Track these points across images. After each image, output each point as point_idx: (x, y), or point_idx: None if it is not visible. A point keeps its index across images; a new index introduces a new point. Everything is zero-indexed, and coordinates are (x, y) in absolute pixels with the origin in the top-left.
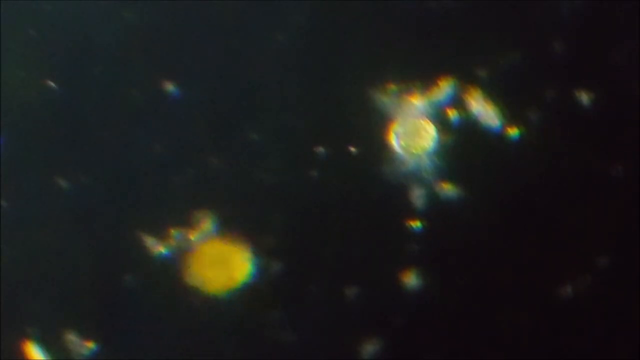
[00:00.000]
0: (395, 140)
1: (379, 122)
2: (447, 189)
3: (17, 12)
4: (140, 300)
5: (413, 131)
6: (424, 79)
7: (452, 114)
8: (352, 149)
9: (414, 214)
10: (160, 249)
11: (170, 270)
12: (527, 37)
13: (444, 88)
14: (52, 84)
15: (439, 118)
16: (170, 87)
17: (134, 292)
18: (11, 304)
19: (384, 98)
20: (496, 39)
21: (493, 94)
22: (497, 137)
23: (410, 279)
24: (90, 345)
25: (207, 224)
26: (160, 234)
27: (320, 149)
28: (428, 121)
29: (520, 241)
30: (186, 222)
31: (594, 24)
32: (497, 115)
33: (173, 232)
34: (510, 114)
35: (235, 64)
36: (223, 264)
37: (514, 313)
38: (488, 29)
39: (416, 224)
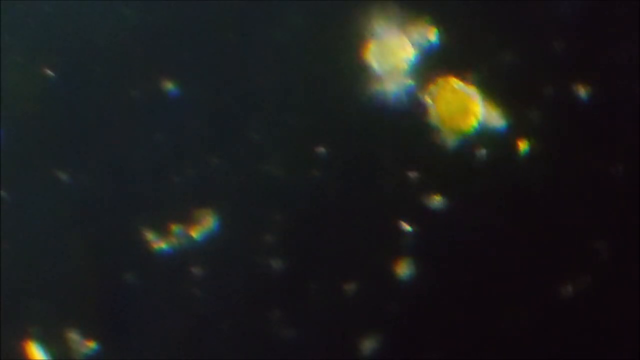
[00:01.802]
0: (373, 58)
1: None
2: (449, 185)
3: (18, 10)
4: (141, 298)
5: (390, 49)
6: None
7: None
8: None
9: (414, 210)
10: (161, 245)
11: (172, 268)
12: (526, 36)
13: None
14: (52, 80)
15: (416, 36)
16: (169, 85)
17: (135, 290)
18: (12, 302)
19: (363, 19)
20: (495, 39)
21: (494, 94)
22: (498, 136)
23: (410, 276)
24: (92, 344)
25: (208, 221)
26: (162, 231)
27: (321, 149)
28: (405, 39)
29: (520, 239)
30: (187, 219)
31: (593, 23)
32: (500, 115)
33: (174, 228)
34: (511, 113)
35: (235, 62)
36: (461, 107)
37: (515, 311)
38: (486, 28)
39: (415, 222)
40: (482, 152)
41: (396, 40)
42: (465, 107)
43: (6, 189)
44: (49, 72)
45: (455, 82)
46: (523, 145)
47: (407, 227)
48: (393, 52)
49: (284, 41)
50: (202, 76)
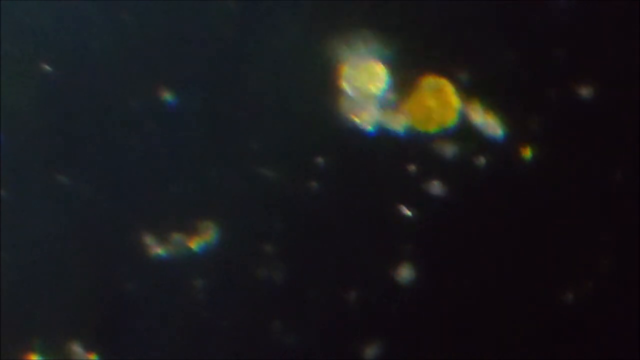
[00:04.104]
0: (346, 83)
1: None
2: (449, 190)
3: (17, 18)
4: (142, 309)
5: (364, 73)
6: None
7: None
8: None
9: (414, 216)
10: (161, 254)
11: (173, 278)
12: (523, 41)
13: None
14: (51, 86)
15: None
16: (167, 95)
17: (136, 301)
18: (12, 313)
19: (335, 42)
20: (491, 45)
21: (493, 102)
22: (498, 143)
23: (410, 282)
24: (93, 357)
25: (208, 232)
26: (162, 240)
27: (320, 159)
28: (378, 63)
29: (520, 246)
30: (186, 229)
31: (592, 25)
32: (499, 124)
33: (175, 237)
34: (511, 120)
35: (234, 72)
36: (435, 105)
37: (515, 318)
38: (482, 34)
39: (415, 226)
40: (482, 160)
41: (371, 65)
42: (443, 103)
43: (5, 194)
44: (49, 79)
45: (429, 82)
46: (523, 152)
47: (408, 212)
48: (368, 77)
49: (281, 50)
50: (200, 86)
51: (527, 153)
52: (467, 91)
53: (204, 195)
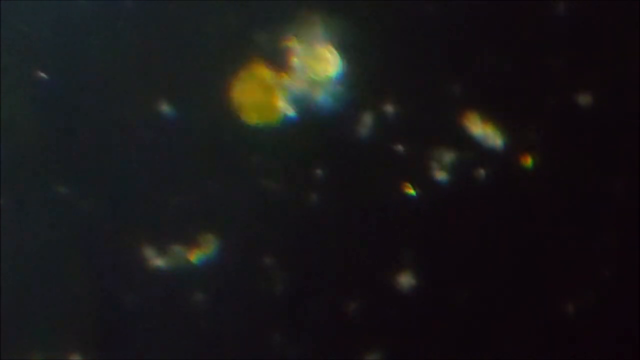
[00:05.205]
0: (298, 67)
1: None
2: (449, 199)
3: (15, 30)
4: (142, 321)
5: (315, 57)
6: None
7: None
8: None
9: (413, 222)
10: (161, 266)
11: (174, 290)
12: (520, 49)
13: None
14: (50, 95)
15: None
16: (166, 106)
17: (135, 313)
18: (12, 325)
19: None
20: (488, 54)
21: (490, 113)
22: (497, 152)
23: (411, 290)
24: None
25: (207, 243)
26: (161, 252)
27: (318, 169)
28: (330, 47)
29: (521, 254)
30: (186, 241)
31: (590, 33)
32: (498, 134)
33: (175, 249)
34: (510, 130)
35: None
36: (264, 96)
37: (516, 328)
38: (479, 42)
39: (414, 233)
40: (481, 169)
41: (322, 49)
42: (267, 99)
43: (4, 204)
44: (47, 89)
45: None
46: (522, 162)
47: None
48: (319, 61)
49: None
50: (199, 96)
51: (527, 162)
52: (465, 101)
53: (204, 207)
